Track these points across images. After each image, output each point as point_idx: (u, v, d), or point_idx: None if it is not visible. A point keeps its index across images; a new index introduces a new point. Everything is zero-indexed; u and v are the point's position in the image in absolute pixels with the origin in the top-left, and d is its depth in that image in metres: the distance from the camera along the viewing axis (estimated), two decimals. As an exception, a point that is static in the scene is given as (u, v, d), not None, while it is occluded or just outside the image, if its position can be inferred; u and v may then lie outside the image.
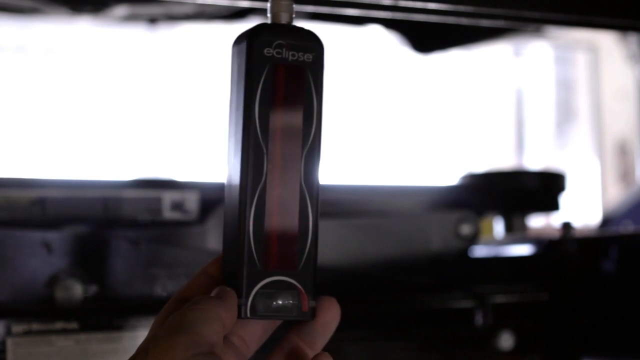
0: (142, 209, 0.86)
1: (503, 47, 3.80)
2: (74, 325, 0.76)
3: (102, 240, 0.82)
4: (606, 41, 3.82)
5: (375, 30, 1.47)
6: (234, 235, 0.53)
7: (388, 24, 1.44)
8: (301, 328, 0.56)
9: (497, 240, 1.13)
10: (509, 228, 1.16)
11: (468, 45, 1.60)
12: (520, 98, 4.14)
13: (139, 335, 0.77)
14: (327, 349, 0.55)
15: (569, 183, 1.14)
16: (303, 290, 0.53)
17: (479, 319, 0.89)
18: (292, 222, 0.53)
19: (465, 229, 0.95)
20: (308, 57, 0.54)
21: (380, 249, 0.92)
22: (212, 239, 0.86)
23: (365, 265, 0.91)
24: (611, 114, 4.13)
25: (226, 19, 1.41)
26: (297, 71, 0.53)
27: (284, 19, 0.54)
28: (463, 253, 0.95)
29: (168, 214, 0.87)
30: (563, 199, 1.14)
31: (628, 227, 1.95)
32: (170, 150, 3.40)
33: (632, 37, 1.84)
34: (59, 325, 0.75)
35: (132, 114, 3.38)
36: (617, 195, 3.53)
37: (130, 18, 1.38)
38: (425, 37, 1.52)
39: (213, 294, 0.52)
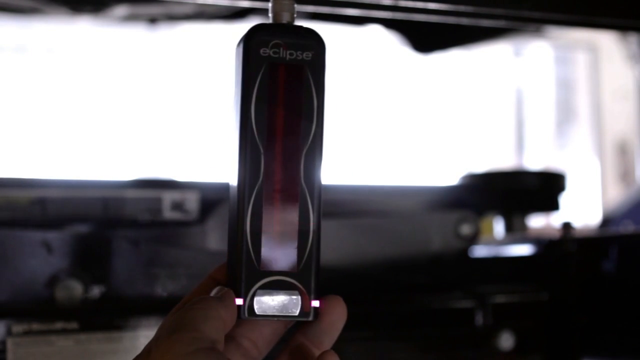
0: (142, 209, 0.86)
1: (503, 47, 3.80)
2: (74, 325, 0.76)
3: (102, 240, 0.82)
4: (606, 41, 3.81)
5: (375, 30, 1.47)
6: (234, 236, 0.53)
7: (388, 24, 1.44)
8: (307, 328, 0.56)
9: (497, 240, 1.13)
10: (509, 228, 1.16)
11: (468, 45, 1.60)
12: (520, 98, 4.14)
13: (140, 335, 0.77)
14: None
15: (569, 183, 1.14)
16: (304, 290, 0.53)
17: (479, 319, 0.89)
18: (291, 221, 0.53)
19: (465, 229, 0.95)
20: (307, 55, 0.53)
21: (381, 249, 0.92)
22: (212, 239, 0.86)
23: (365, 265, 0.91)
24: (611, 114, 4.13)
25: (226, 19, 1.41)
26: (295, 70, 0.53)
27: (285, 19, 0.54)
28: (463, 253, 0.95)
29: (168, 214, 0.87)
30: (563, 199, 1.14)
31: (628, 227, 1.95)
32: (170, 150, 3.40)
33: (632, 37, 1.84)
34: (59, 325, 0.75)
35: (132, 114, 3.38)
36: (617, 195, 3.53)
37: (130, 18, 1.38)
38: (425, 37, 1.52)
39: (212, 294, 0.53)
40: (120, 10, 1.32)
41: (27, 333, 0.74)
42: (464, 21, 0.80)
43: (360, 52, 3.63)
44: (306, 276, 0.53)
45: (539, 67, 4.17)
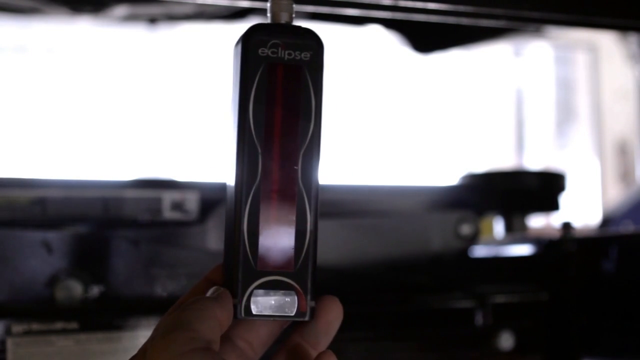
0: (142, 209, 0.86)
1: (503, 47, 3.80)
2: (74, 325, 0.76)
3: (102, 240, 0.82)
4: (606, 41, 3.82)
5: (375, 30, 1.47)
6: (230, 235, 0.53)
7: (388, 24, 1.44)
8: (304, 328, 0.56)
9: (497, 240, 1.13)
10: (509, 228, 1.16)
11: (468, 45, 1.60)
12: (520, 98, 4.15)
13: (139, 335, 0.77)
14: (327, 348, 0.55)
15: (569, 183, 1.14)
16: (301, 290, 0.53)
17: (479, 319, 0.89)
18: (288, 222, 0.53)
19: (465, 229, 0.95)
20: (305, 55, 0.53)
21: (381, 249, 0.92)
22: (212, 239, 0.86)
23: (365, 265, 0.91)
24: (611, 114, 4.14)
25: (226, 19, 1.41)
26: (294, 70, 0.53)
27: (283, 19, 0.54)
28: (463, 253, 0.95)
29: (168, 214, 0.87)
30: (563, 199, 1.14)
31: (628, 227, 1.95)
32: (170, 150, 3.40)
33: (632, 37, 1.84)
34: (59, 325, 0.75)
35: (132, 114, 3.38)
36: (617, 195, 3.53)
37: (130, 18, 1.38)
38: (425, 37, 1.52)
39: (208, 294, 0.52)
40: (120, 10, 1.32)
41: (27, 333, 0.74)
42: (464, 21, 0.80)
43: (360, 52, 3.63)
44: (303, 276, 0.53)
45: (539, 67, 4.17)
